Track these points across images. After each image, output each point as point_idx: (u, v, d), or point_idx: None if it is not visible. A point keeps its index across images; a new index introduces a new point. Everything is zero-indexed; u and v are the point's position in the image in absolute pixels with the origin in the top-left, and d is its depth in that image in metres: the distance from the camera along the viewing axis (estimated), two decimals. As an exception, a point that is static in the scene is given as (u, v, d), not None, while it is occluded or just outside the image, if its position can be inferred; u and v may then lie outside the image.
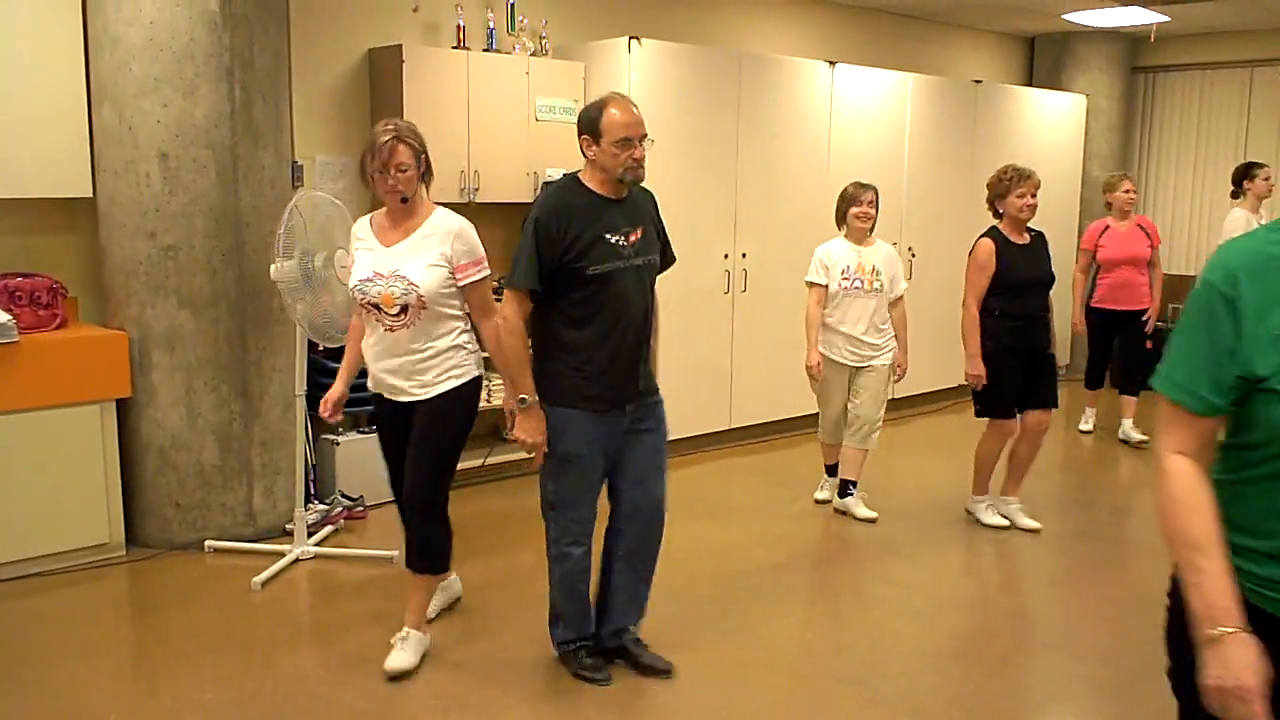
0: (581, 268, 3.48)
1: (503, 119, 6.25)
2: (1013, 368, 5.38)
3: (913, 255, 8.26)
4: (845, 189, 5.64)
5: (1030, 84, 10.30)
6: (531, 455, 3.68)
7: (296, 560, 4.90)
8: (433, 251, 3.71)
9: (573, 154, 6.58)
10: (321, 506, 5.44)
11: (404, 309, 3.69)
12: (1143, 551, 5.30)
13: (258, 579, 4.61)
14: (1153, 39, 9.74)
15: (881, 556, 5.11)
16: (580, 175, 3.63)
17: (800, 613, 4.47)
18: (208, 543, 5.01)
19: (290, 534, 5.07)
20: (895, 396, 8.35)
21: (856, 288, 5.50)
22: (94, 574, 4.76)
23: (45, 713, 3.53)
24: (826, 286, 5.52)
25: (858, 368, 5.56)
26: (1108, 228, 7.48)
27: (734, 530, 5.48)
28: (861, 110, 7.80)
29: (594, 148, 3.55)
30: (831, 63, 7.57)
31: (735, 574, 4.86)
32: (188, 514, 5.02)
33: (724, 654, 4.02)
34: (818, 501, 5.93)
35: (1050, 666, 4.06)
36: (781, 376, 7.48)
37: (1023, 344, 5.37)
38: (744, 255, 7.05)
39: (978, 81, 8.79)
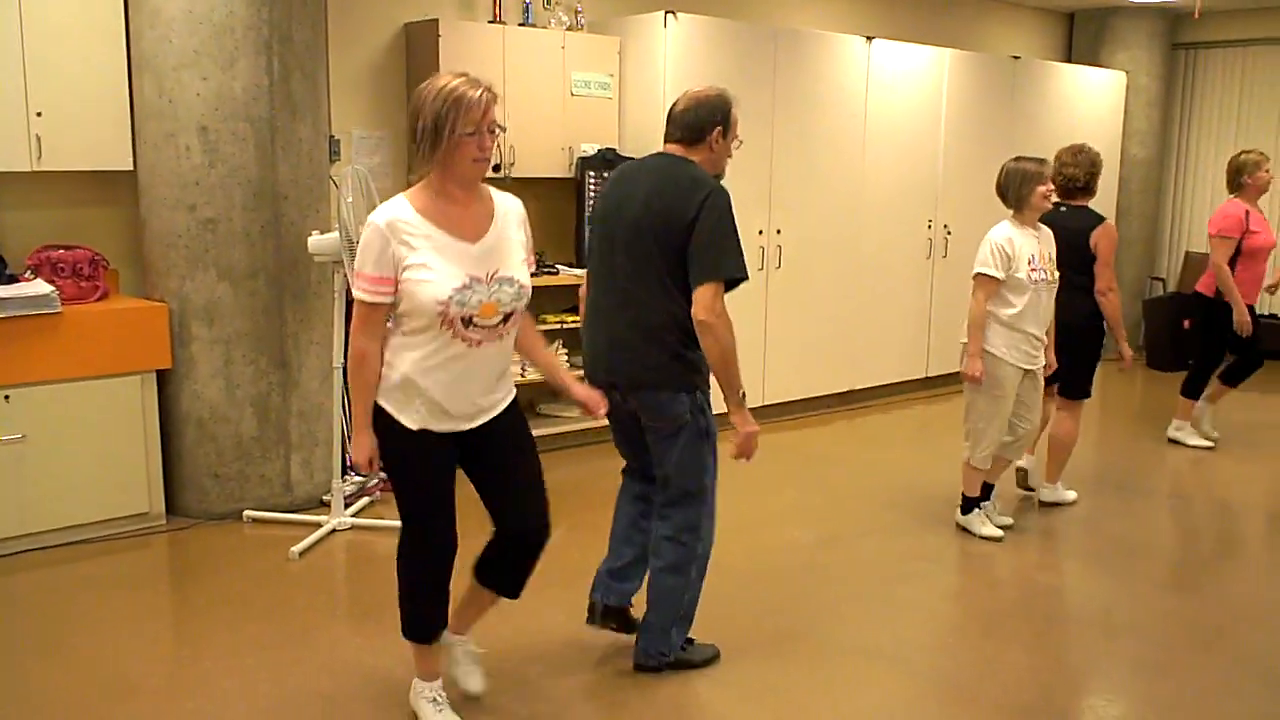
0: None
1: (538, 94, 6.25)
2: None
3: (949, 234, 8.21)
4: (1023, 164, 4.93)
5: (1069, 60, 10.18)
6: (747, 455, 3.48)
7: (333, 531, 4.95)
8: (515, 241, 3.09)
9: (609, 129, 6.62)
10: (358, 478, 5.48)
11: (506, 318, 3.03)
12: (1177, 533, 5.27)
13: (295, 549, 4.66)
14: (1196, 14, 9.59)
15: (916, 533, 5.10)
16: (695, 163, 3.46)
17: (832, 589, 4.48)
18: (246, 513, 5.07)
19: (327, 505, 5.12)
20: (930, 374, 8.33)
21: (1043, 279, 4.89)
22: (134, 543, 4.83)
23: (87, 677, 3.59)
24: (1000, 280, 4.85)
25: (1026, 370, 4.96)
26: (1248, 213, 6.61)
27: (766, 507, 5.48)
28: (898, 86, 7.73)
29: (721, 141, 3.49)
30: (869, 38, 7.51)
31: (768, 550, 4.86)
32: (226, 484, 5.08)
33: (757, 629, 4.03)
34: (987, 538, 5.09)
35: (1085, 643, 4.05)
36: (816, 354, 7.47)
37: None
38: (778, 232, 7.03)
39: (1016, 57, 8.70)
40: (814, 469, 6.19)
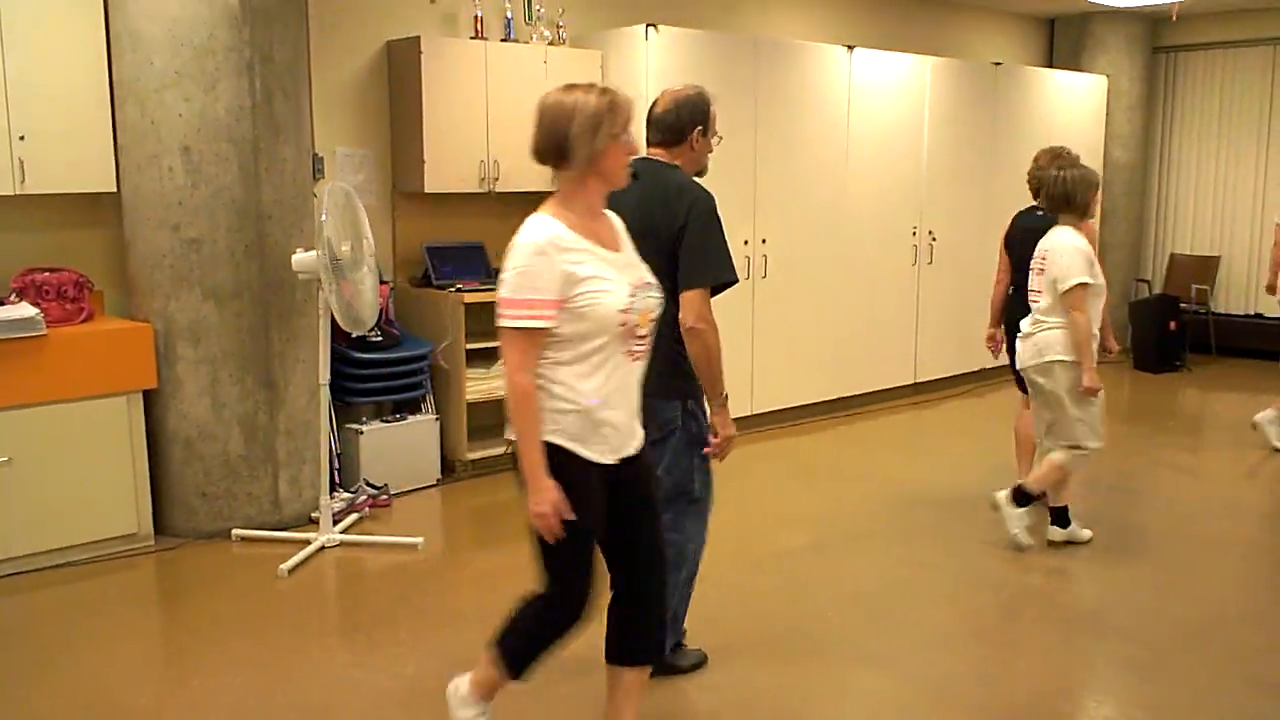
0: None
1: (521, 109, 6.21)
2: None
3: (934, 240, 8.24)
4: (1085, 171, 4.90)
5: (1050, 65, 10.25)
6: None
7: (322, 548, 4.95)
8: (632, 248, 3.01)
9: (591, 142, 6.62)
10: (346, 495, 5.49)
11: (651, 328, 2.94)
12: (1166, 534, 5.29)
13: (284, 566, 4.66)
14: (1174, 18, 9.67)
15: (907, 540, 5.11)
16: (681, 167, 3.50)
17: (823, 594, 4.48)
18: (234, 531, 5.07)
19: (316, 522, 5.12)
20: (919, 380, 8.36)
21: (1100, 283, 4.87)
22: (122, 563, 4.82)
23: (75, 699, 3.58)
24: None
25: None
26: None
27: (758, 513, 5.50)
28: (880, 94, 7.77)
29: (702, 139, 3.52)
30: (850, 47, 7.55)
31: (760, 557, 4.87)
32: (214, 503, 5.08)
33: (747, 635, 4.04)
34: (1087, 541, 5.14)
35: (1074, 645, 4.06)
36: (804, 362, 7.49)
37: None
38: (764, 241, 7.06)
39: (997, 64, 8.75)
40: (803, 476, 6.20)
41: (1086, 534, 5.14)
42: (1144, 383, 8.98)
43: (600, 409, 2.78)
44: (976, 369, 8.58)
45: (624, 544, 2.97)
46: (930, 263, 8.23)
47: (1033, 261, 5.02)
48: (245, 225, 4.94)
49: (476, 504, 5.76)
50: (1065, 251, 4.76)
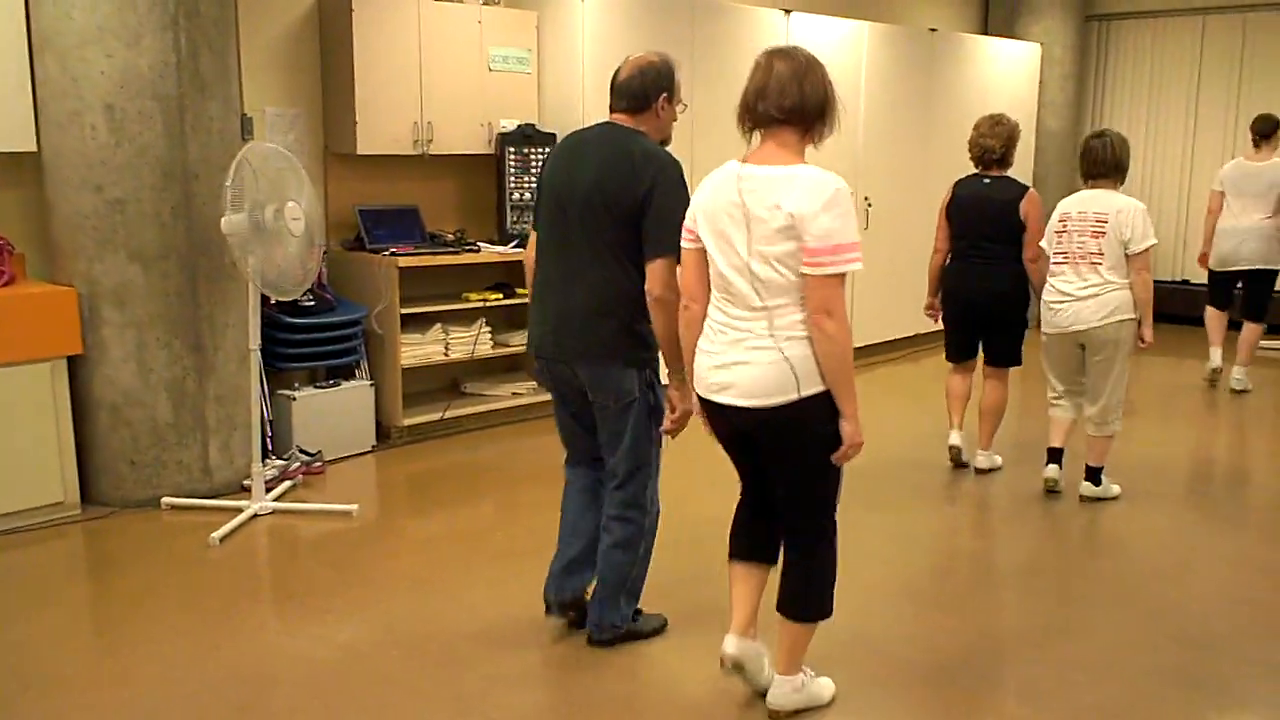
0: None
1: (455, 70, 6.19)
2: None
3: (869, 205, 8.29)
4: (1121, 136, 5.11)
5: (985, 33, 10.32)
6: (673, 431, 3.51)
7: (255, 516, 4.88)
8: None
9: (528, 105, 6.56)
10: (279, 462, 5.41)
11: None
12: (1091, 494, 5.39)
13: (215, 535, 4.59)
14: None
15: (840, 500, 5.14)
16: (644, 133, 3.45)
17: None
18: (164, 499, 4.98)
19: (248, 490, 5.05)
20: (858, 345, 8.41)
21: None
22: (49, 533, 4.72)
23: (3, 671, 3.50)
24: None
25: None
26: None
27: (695, 478, 5.51)
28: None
29: (668, 107, 3.48)
30: (786, 11, 7.54)
31: (700, 521, 4.88)
32: (143, 471, 4.98)
33: (684, 599, 4.05)
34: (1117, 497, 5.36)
35: (1003, 604, 4.13)
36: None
37: None
38: (701, 206, 7.02)
39: (933, 30, 8.79)
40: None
41: (1116, 489, 5.34)
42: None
43: None
44: (912, 334, 8.67)
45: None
46: (866, 228, 8.28)
47: (1069, 224, 5.07)
48: (171, 185, 4.82)
49: (412, 470, 5.71)
50: (1137, 214, 4.93)
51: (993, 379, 5.63)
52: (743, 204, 2.93)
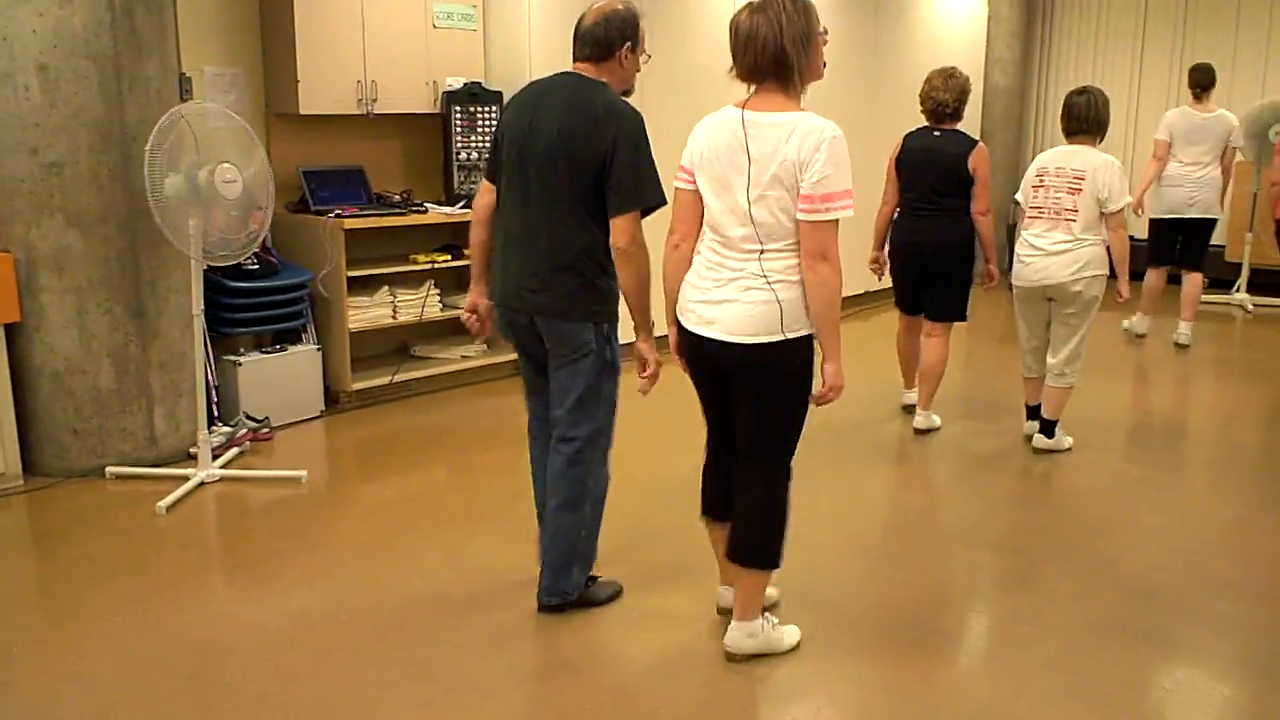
0: None
1: (398, 26, 6.08)
2: None
3: (818, 163, 8.27)
4: (1100, 91, 5.25)
5: (933, -11, 10.30)
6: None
7: (202, 484, 4.81)
8: None
9: (474, 62, 6.47)
10: (226, 429, 5.34)
11: None
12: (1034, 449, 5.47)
13: (162, 503, 4.53)
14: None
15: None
16: (606, 85, 3.41)
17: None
18: (109, 469, 4.90)
19: (194, 458, 4.98)
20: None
21: None
22: (-10, 504, 4.64)
23: (-55, 645, 3.45)
24: None
25: None
26: None
27: (642, 439, 5.52)
28: (766, 16, 7.72)
29: (631, 56, 3.44)
30: (735, -33, 7.47)
31: (650, 483, 4.89)
32: (86, 440, 4.90)
33: (637, 562, 4.06)
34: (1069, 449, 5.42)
35: (951, 559, 4.19)
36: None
37: None
38: (650, 165, 6.98)
39: (881, -14, 8.76)
40: (687, 400, 6.22)
41: (1069, 441, 5.40)
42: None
43: None
44: (860, 291, 8.71)
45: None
46: (815, 186, 8.27)
47: (1047, 179, 5.15)
48: (109, 147, 4.70)
49: (361, 435, 5.67)
50: (1113, 171, 5.04)
51: (934, 336, 5.61)
52: (746, 148, 2.98)
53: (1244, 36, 9.63)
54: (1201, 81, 7.56)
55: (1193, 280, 7.64)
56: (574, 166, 3.30)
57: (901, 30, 8.88)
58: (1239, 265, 8.97)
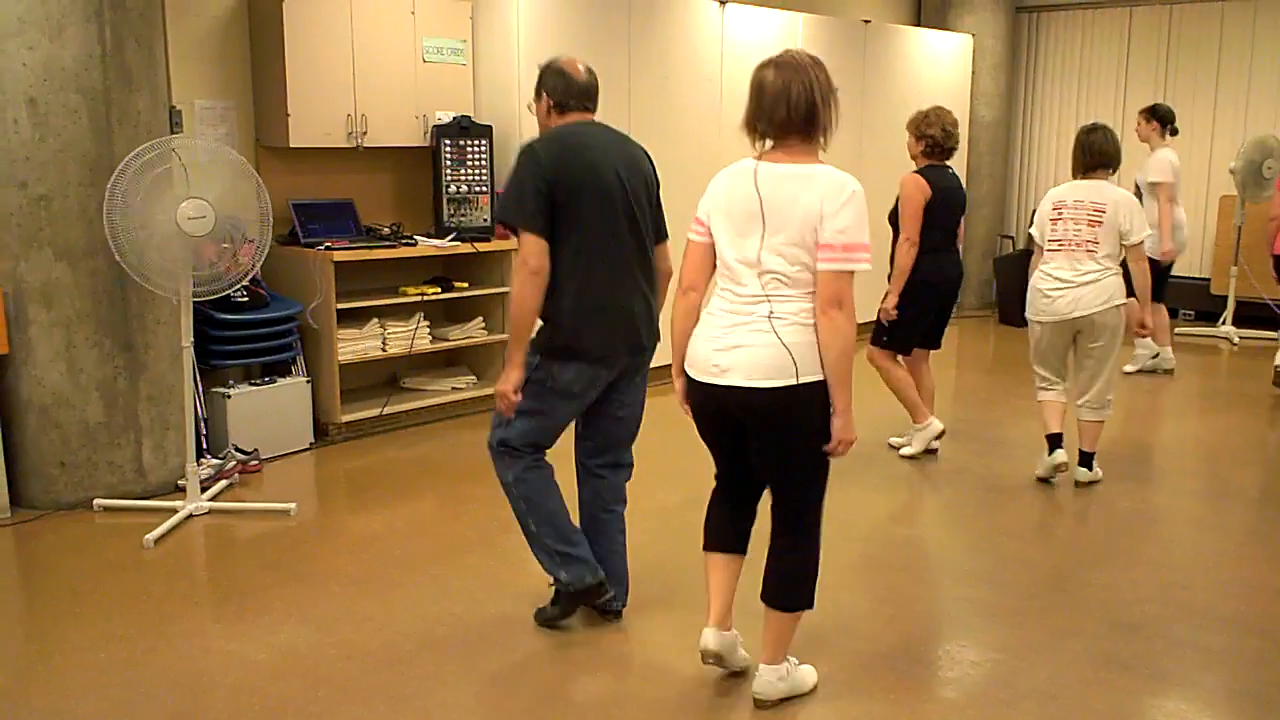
0: None
1: (389, 61, 6.12)
2: None
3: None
4: (1108, 128, 5.35)
5: (918, 24, 10.41)
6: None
7: (190, 516, 4.80)
8: None
9: (463, 96, 6.51)
10: (214, 461, 5.33)
11: None
12: (1025, 482, 5.48)
13: (150, 536, 4.51)
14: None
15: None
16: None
17: (696, 549, 4.52)
18: (96, 501, 4.88)
19: (183, 490, 4.97)
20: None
21: None
22: (-24, 537, 4.61)
23: (-72, 680, 3.43)
24: None
25: None
26: None
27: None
28: (753, 50, 7.78)
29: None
30: (722, 2, 7.55)
31: (635, 515, 4.88)
32: (74, 473, 4.88)
33: (639, 592, 4.05)
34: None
35: (939, 591, 4.19)
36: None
37: None
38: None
39: (867, 21, 8.86)
40: (680, 430, 6.23)
41: (1100, 472, 5.47)
42: (1008, 336, 9.26)
43: None
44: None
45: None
46: (803, 219, 8.32)
47: (1065, 212, 5.18)
48: (98, 180, 4.71)
49: (351, 467, 5.66)
50: (1133, 205, 5.15)
51: (925, 362, 5.88)
52: (759, 198, 3.02)
53: (1225, 69, 9.73)
54: (1172, 120, 7.67)
55: (1160, 310, 7.72)
56: (643, 204, 3.66)
57: (887, 66, 8.96)
58: (1224, 299, 9.03)
